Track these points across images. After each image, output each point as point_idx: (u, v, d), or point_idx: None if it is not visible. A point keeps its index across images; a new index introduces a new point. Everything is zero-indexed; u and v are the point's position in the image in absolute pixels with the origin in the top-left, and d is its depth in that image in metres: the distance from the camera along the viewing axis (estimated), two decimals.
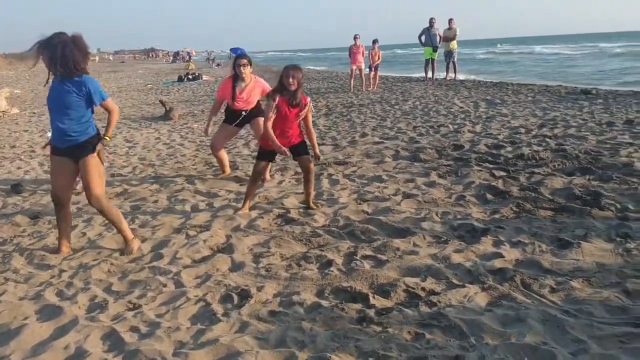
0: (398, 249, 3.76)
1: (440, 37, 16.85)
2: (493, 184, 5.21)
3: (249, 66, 5.74)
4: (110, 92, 18.82)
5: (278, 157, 5.25)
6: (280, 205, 4.96)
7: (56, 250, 4.08)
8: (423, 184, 5.42)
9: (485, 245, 3.75)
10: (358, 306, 2.97)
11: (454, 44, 16.91)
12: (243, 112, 5.92)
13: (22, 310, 3.16)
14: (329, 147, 7.64)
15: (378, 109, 11.47)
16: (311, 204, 4.84)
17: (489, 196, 4.86)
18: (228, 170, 6.33)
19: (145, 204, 5.30)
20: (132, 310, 3.13)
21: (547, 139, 7.13)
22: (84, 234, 4.50)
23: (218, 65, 41.86)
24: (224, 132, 6.15)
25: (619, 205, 4.34)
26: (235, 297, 3.18)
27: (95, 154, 3.83)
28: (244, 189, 5.32)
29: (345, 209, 4.74)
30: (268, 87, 5.98)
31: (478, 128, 8.40)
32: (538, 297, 2.95)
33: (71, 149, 3.81)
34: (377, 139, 8.05)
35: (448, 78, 17.54)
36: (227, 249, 4.03)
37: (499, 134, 7.74)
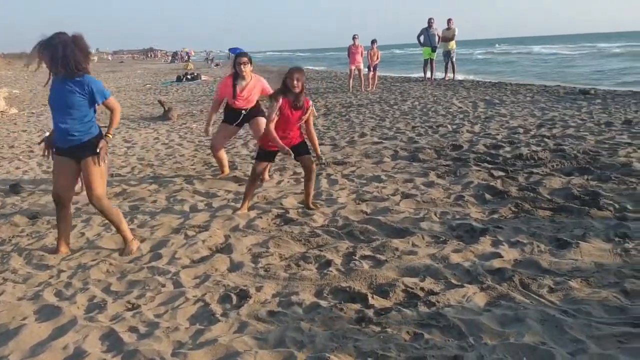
0: (397, 249, 3.76)
1: (438, 37, 16.87)
2: (492, 184, 5.21)
3: (249, 64, 5.73)
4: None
5: (277, 157, 5.24)
6: (279, 205, 4.96)
7: (55, 251, 4.07)
8: (422, 184, 5.42)
9: (484, 245, 3.75)
10: (357, 306, 2.97)
11: (452, 44, 16.93)
12: (243, 111, 5.91)
13: (21, 311, 3.16)
14: (328, 147, 7.64)
15: (377, 109, 11.47)
16: (310, 204, 4.84)
17: (487, 196, 4.87)
18: (227, 170, 6.33)
19: (144, 204, 5.29)
20: (130, 310, 3.13)
21: (546, 139, 7.13)
22: (83, 234, 4.49)
23: (217, 65, 41.83)
24: (224, 132, 6.14)
25: (617, 205, 4.35)
26: (234, 297, 3.18)
27: (99, 161, 3.81)
28: (242, 189, 5.32)
29: (344, 209, 4.74)
30: (268, 86, 5.98)
31: (477, 128, 8.41)
32: (537, 297, 2.95)
33: (73, 149, 3.80)
34: (376, 139, 8.05)
35: (447, 78, 17.55)
36: (225, 249, 4.03)
37: (498, 134, 7.74)
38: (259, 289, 3.25)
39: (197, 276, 3.55)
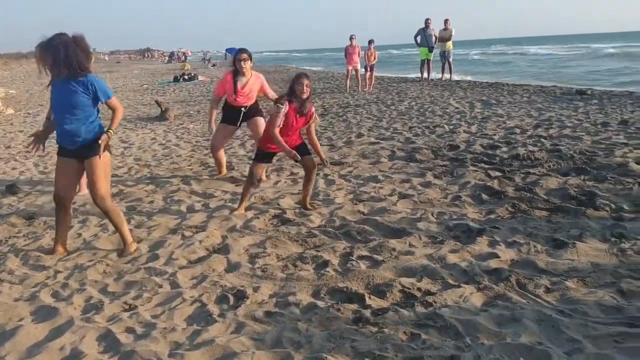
0: (394, 249, 3.77)
1: (435, 37, 16.90)
2: (488, 184, 5.22)
3: (249, 61, 5.73)
4: None
5: (275, 158, 5.24)
6: (276, 205, 4.96)
7: (51, 251, 4.06)
8: (419, 184, 5.43)
9: (481, 245, 3.76)
10: (354, 306, 2.98)
11: (449, 45, 16.96)
12: (243, 109, 5.89)
13: (17, 312, 3.15)
14: (325, 147, 7.64)
15: (374, 110, 11.48)
16: (307, 205, 4.83)
17: (484, 196, 4.87)
18: (224, 170, 6.32)
19: (140, 205, 5.29)
20: (127, 311, 3.12)
21: (543, 140, 7.15)
22: (80, 234, 4.48)
23: (214, 65, 41.81)
24: (224, 132, 6.13)
25: (613, 206, 4.36)
26: (231, 298, 3.18)
27: (100, 155, 3.80)
28: (239, 189, 5.32)
29: (341, 209, 4.75)
30: (266, 84, 5.98)
31: (474, 128, 8.42)
32: (533, 297, 2.96)
33: (79, 149, 3.80)
34: (373, 140, 8.06)
35: (444, 78, 17.58)
36: (223, 249, 4.02)
37: (495, 135, 7.76)
38: (256, 290, 3.24)
39: (194, 277, 3.55)
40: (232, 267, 3.67)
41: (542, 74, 22.84)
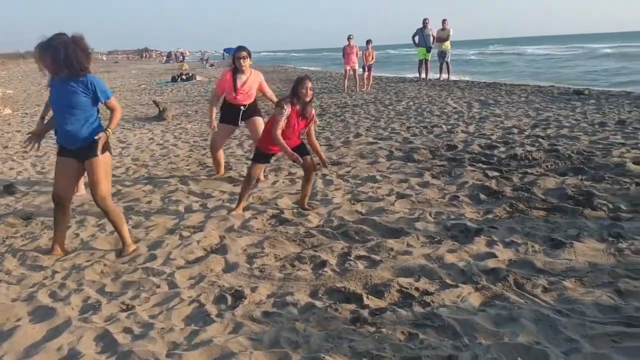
0: (392, 249, 3.77)
1: (433, 37, 16.91)
2: (486, 184, 5.23)
3: (248, 59, 5.73)
4: None
5: (272, 158, 5.24)
6: (274, 205, 4.96)
7: (49, 251, 4.05)
8: (417, 184, 5.43)
9: (479, 245, 3.76)
10: (352, 306, 2.98)
11: (447, 45, 16.98)
12: (242, 107, 5.88)
13: (15, 312, 3.14)
14: (323, 147, 7.64)
15: (372, 110, 11.49)
16: (305, 205, 4.83)
17: (482, 196, 4.88)
18: (222, 170, 6.31)
19: (138, 205, 5.28)
20: (125, 311, 3.12)
21: (540, 139, 7.16)
22: (77, 235, 4.47)
23: (212, 65, 41.78)
24: (223, 131, 6.12)
25: (611, 205, 4.37)
26: (229, 298, 3.18)
27: (101, 154, 3.79)
28: (237, 189, 5.31)
29: (339, 209, 4.75)
30: (265, 83, 5.98)
31: (471, 128, 8.43)
32: (531, 297, 2.96)
33: (80, 150, 3.79)
34: (371, 140, 8.06)
35: (441, 78, 17.59)
36: (220, 249, 4.02)
37: (492, 135, 7.77)
38: (253, 290, 3.24)
39: (192, 277, 3.55)
40: (229, 267, 3.67)
41: (540, 74, 22.88)
